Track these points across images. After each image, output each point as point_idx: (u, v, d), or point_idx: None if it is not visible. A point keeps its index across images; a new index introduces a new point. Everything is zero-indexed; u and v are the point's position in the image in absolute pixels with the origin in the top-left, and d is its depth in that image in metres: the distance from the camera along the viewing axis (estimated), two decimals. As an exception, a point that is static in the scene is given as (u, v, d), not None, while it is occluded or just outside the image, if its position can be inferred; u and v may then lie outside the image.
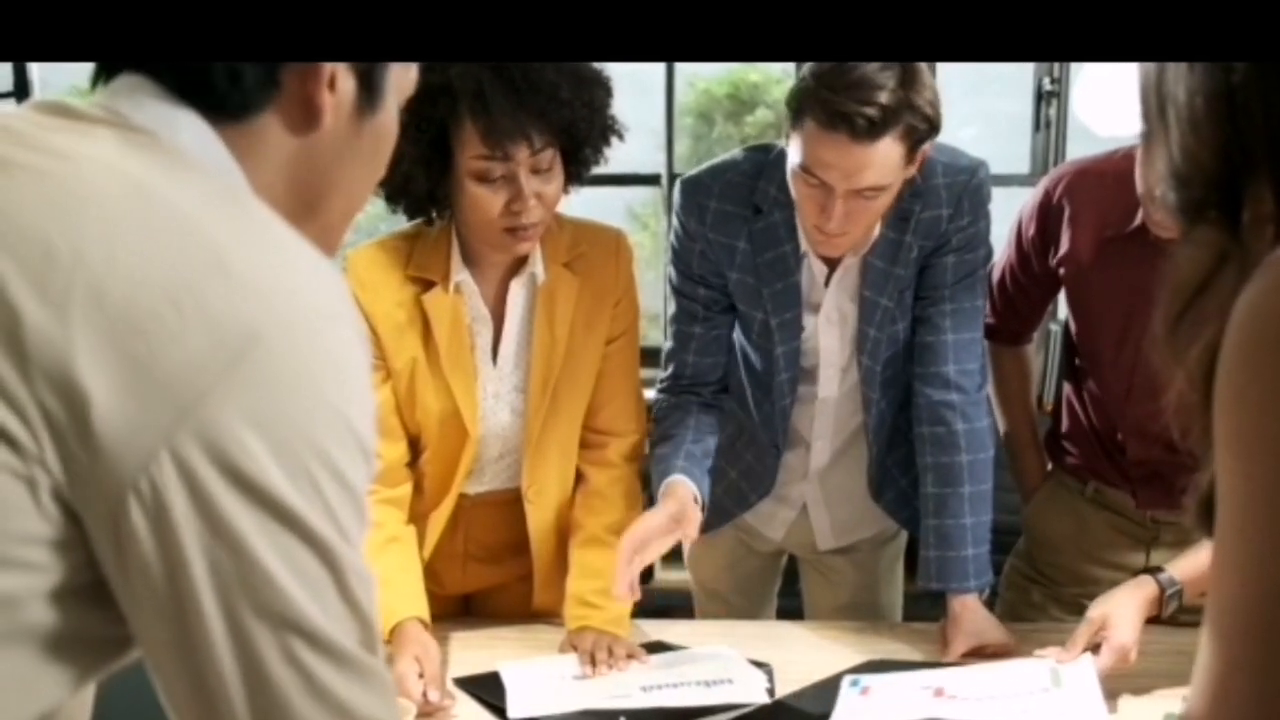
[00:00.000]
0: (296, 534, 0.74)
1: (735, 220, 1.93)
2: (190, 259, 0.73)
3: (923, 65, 1.73)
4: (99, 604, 0.76)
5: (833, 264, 1.94)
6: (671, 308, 2.05)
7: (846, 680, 1.80)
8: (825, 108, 1.69)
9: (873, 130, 1.68)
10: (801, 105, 1.73)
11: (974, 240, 1.93)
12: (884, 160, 1.72)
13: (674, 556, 2.17)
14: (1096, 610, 1.81)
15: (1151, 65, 0.89)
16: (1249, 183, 0.82)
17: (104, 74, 0.87)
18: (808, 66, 1.75)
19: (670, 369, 2.07)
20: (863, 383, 2.01)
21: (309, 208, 0.92)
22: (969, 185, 1.90)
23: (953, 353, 1.96)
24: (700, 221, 1.94)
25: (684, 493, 1.89)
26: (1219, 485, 0.75)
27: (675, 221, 2.00)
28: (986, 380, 2.01)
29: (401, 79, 0.96)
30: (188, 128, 0.84)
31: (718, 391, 2.07)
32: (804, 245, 1.91)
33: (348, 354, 0.77)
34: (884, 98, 1.67)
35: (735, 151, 2.01)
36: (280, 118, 0.87)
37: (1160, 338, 0.86)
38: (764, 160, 1.93)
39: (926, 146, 1.78)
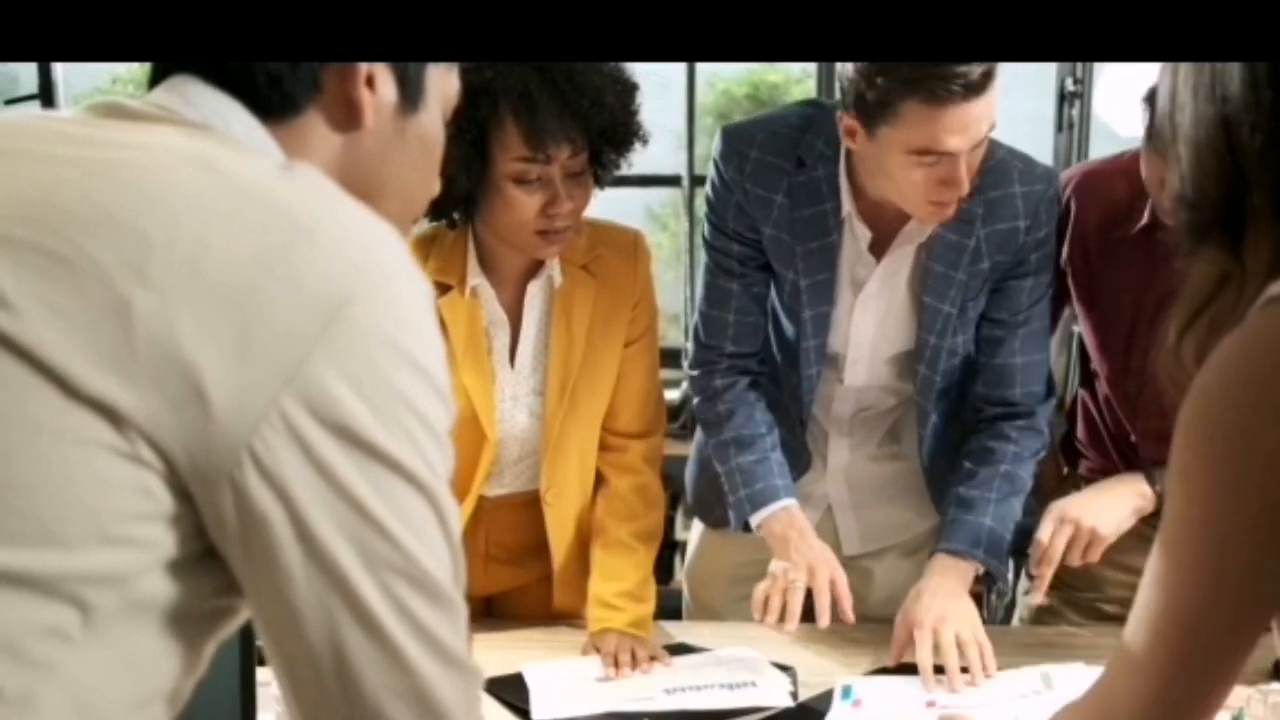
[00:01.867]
0: (400, 476, 0.79)
1: (775, 172, 1.86)
2: (276, 229, 0.78)
3: None
4: (201, 576, 0.80)
5: (883, 235, 1.87)
6: (705, 269, 1.97)
7: (838, 690, 1.79)
8: (932, 84, 1.63)
9: (986, 80, 1.65)
10: (892, 97, 1.65)
11: (1048, 258, 1.91)
12: (991, 103, 1.68)
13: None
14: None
15: (1166, 98, 0.94)
16: (1249, 207, 0.88)
17: (155, 77, 0.92)
18: (851, 68, 1.68)
19: (707, 335, 1.97)
20: (919, 394, 1.96)
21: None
22: (1046, 195, 1.87)
23: (1020, 375, 1.94)
24: (739, 171, 1.87)
25: (811, 535, 1.87)
26: (1167, 501, 0.91)
27: (712, 171, 1.92)
28: (1053, 394, 2.00)
29: (443, 85, 0.99)
30: (239, 121, 0.88)
31: (761, 360, 1.99)
32: (846, 207, 1.85)
33: (422, 308, 0.83)
34: None
35: (783, 106, 1.97)
36: (323, 117, 0.92)
37: (1167, 350, 0.92)
38: (813, 114, 1.88)
39: None
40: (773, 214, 1.87)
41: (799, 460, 2.04)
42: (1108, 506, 1.87)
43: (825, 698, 1.78)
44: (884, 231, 1.87)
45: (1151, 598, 0.93)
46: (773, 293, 1.96)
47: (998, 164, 1.83)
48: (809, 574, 1.82)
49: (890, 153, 1.71)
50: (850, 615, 1.82)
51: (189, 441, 0.75)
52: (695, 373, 2.01)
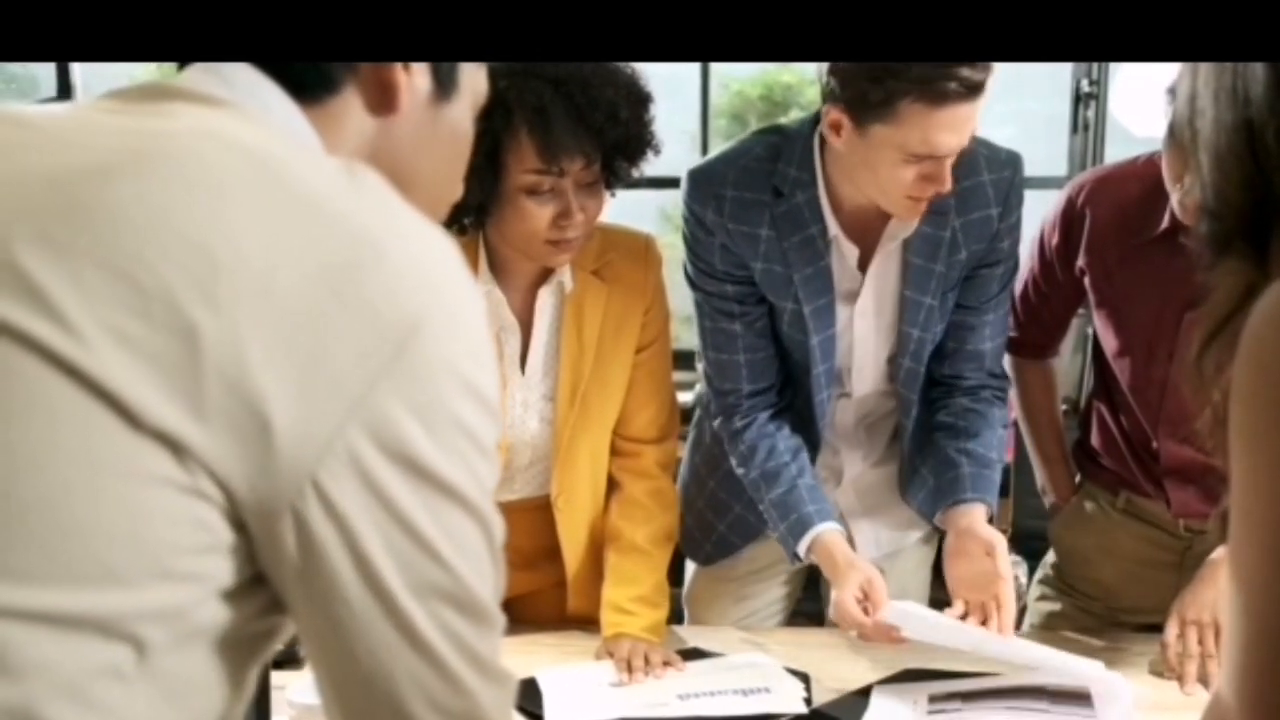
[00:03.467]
0: (455, 502, 0.79)
1: (755, 206, 1.84)
2: (344, 249, 0.75)
3: None
4: (249, 601, 0.79)
5: (866, 249, 1.87)
6: (699, 314, 1.96)
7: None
8: (935, 85, 1.62)
9: (984, 80, 1.64)
10: (895, 96, 1.64)
11: (1016, 243, 1.91)
12: (980, 106, 1.68)
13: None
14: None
15: (1185, 102, 0.91)
16: (1274, 216, 0.84)
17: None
18: (843, 66, 1.67)
19: (721, 380, 1.95)
20: (902, 385, 1.96)
21: None
22: (1014, 181, 1.86)
23: (989, 358, 1.96)
24: (718, 212, 1.84)
25: (845, 554, 1.85)
26: (1232, 474, 0.80)
27: (688, 214, 1.89)
28: (1008, 379, 2.03)
29: (474, 80, 0.98)
30: (278, 106, 0.86)
31: (781, 390, 1.96)
32: (832, 229, 1.84)
33: (482, 326, 0.81)
34: None
35: (742, 138, 1.93)
36: (359, 98, 0.90)
37: (1191, 362, 0.88)
38: (779, 143, 1.85)
39: None
40: (760, 248, 1.85)
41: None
42: (1221, 596, 1.83)
43: (840, 704, 1.77)
44: (868, 244, 1.87)
45: (1236, 601, 0.82)
46: None
47: (964, 153, 1.81)
48: (866, 591, 1.80)
49: (881, 150, 1.70)
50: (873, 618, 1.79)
51: (251, 472, 0.73)
52: (718, 420, 1.99)
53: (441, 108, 0.94)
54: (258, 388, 0.71)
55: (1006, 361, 2.04)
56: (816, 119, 1.81)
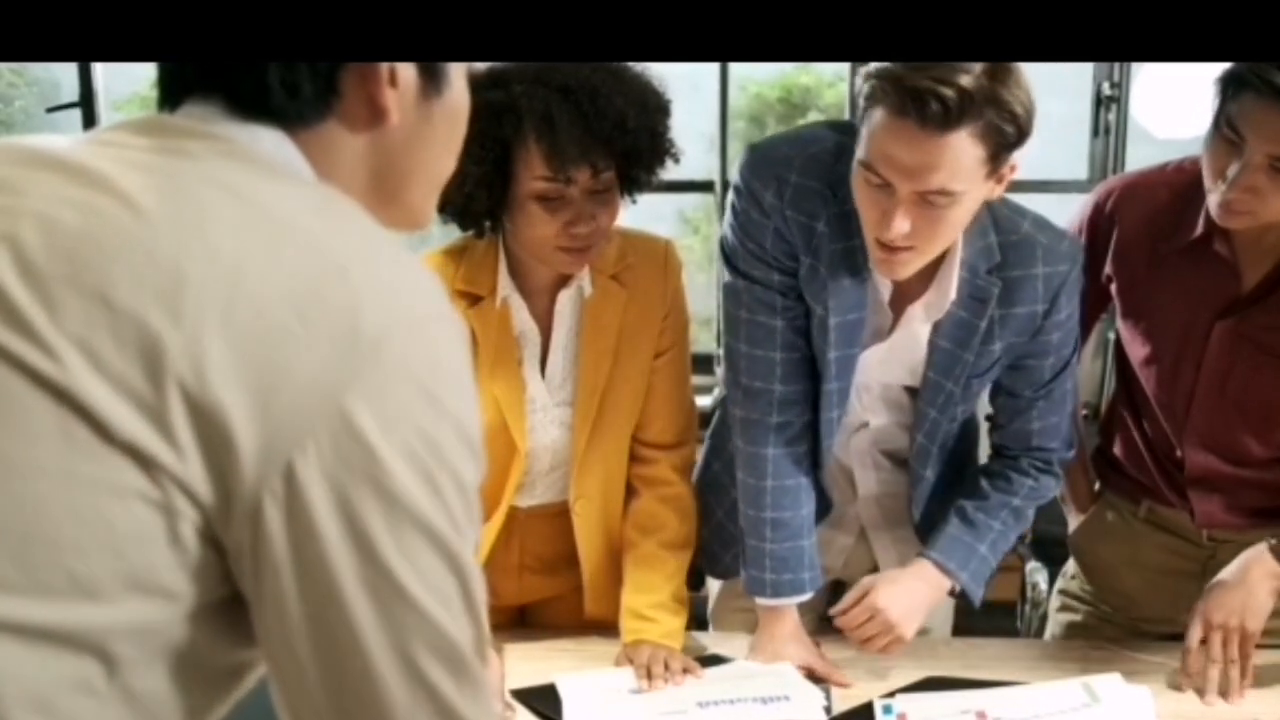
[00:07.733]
0: (426, 538, 0.76)
1: (816, 198, 1.71)
2: (310, 269, 0.76)
3: (1018, 65, 1.53)
4: (222, 627, 0.78)
5: (902, 289, 1.76)
6: (734, 303, 1.82)
7: (879, 707, 1.77)
8: (899, 88, 1.49)
9: (946, 118, 1.48)
10: (874, 90, 1.53)
11: (1071, 334, 1.81)
12: (956, 159, 1.51)
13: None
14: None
15: None
16: None
17: (168, 101, 0.90)
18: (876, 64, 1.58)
19: (752, 376, 1.83)
20: (915, 459, 1.89)
21: (391, 196, 0.93)
22: (1069, 276, 1.75)
23: (1037, 437, 1.90)
24: (779, 196, 1.72)
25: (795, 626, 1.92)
26: None
27: (744, 191, 1.75)
28: (1073, 446, 1.97)
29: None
30: (267, 137, 0.86)
31: (808, 406, 1.85)
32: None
33: (456, 355, 0.80)
34: (965, 81, 1.46)
35: (811, 124, 1.82)
36: (345, 123, 0.89)
37: None
38: (846, 143, 1.67)
39: (1013, 163, 1.58)
40: (813, 241, 1.73)
41: (819, 505, 1.95)
42: (1250, 600, 1.83)
43: (858, 713, 1.77)
44: (902, 291, 1.77)
45: None
46: None
47: (1022, 240, 1.73)
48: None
49: (857, 156, 1.61)
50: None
51: (218, 487, 0.73)
52: (740, 413, 1.88)
53: (435, 101, 0.93)
54: (218, 401, 0.72)
55: None
56: None
